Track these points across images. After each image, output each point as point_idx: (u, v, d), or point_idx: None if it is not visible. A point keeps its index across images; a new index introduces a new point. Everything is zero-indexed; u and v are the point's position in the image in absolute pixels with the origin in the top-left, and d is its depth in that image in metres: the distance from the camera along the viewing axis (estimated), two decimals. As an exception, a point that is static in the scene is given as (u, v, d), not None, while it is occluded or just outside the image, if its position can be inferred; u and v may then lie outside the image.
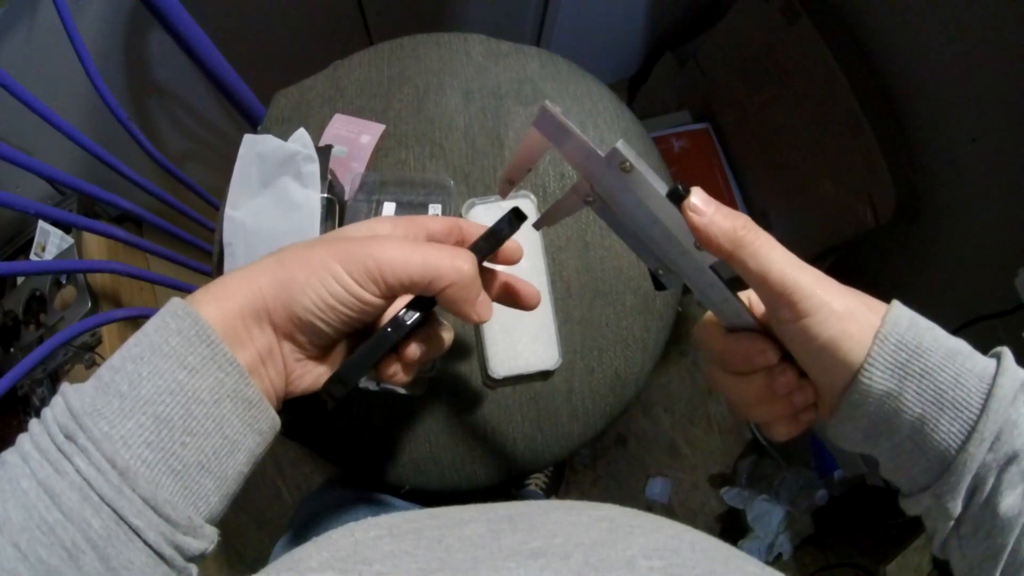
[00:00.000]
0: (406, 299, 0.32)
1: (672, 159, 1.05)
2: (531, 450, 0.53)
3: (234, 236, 0.55)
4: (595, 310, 0.54)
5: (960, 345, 0.27)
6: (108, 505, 0.23)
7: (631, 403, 0.55)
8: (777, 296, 0.27)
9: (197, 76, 0.85)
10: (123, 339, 1.01)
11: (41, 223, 0.96)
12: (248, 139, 0.56)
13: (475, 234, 0.33)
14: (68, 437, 0.23)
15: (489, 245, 0.33)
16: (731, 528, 1.15)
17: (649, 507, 1.18)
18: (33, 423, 0.24)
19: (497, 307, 0.52)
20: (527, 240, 0.54)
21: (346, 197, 0.56)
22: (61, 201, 1.02)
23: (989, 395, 0.26)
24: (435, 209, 0.54)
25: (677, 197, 0.28)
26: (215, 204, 0.82)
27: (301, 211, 0.53)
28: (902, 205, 0.86)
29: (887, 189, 0.87)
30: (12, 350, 0.98)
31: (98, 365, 0.94)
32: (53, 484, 0.22)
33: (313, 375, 0.30)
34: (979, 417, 0.26)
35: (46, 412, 0.24)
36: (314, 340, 0.29)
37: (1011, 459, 0.25)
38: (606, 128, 0.58)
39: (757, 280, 0.28)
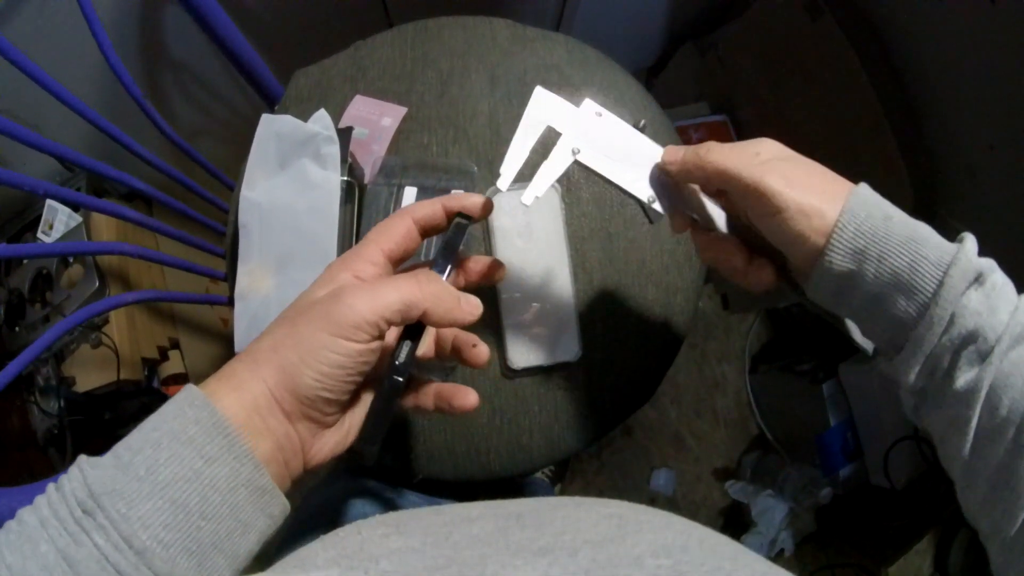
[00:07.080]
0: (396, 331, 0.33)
1: (688, 151, 1.04)
2: (547, 442, 0.53)
3: (250, 217, 0.54)
4: (617, 302, 0.53)
5: (918, 232, 0.29)
6: None
7: (648, 398, 0.55)
8: (750, 196, 0.32)
9: (212, 53, 0.84)
10: (130, 320, 0.99)
11: (49, 200, 0.95)
12: (266, 119, 0.55)
13: (463, 203, 0.36)
14: (86, 512, 0.24)
15: (448, 258, 0.35)
16: (734, 522, 1.16)
17: (653, 498, 1.19)
18: (51, 488, 0.25)
19: (519, 299, 0.52)
20: (551, 229, 0.53)
21: (366, 180, 0.55)
22: (70, 178, 1.00)
23: (941, 284, 0.28)
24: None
25: (642, 128, 0.38)
26: (229, 184, 0.81)
27: (319, 193, 0.52)
28: (919, 208, 0.85)
29: (904, 191, 0.86)
30: (17, 329, 0.97)
31: (104, 345, 0.94)
32: (72, 553, 0.23)
33: (331, 444, 0.32)
34: (930, 302, 0.28)
35: (63, 482, 0.25)
36: (326, 411, 0.30)
37: (967, 340, 0.28)
38: (631, 119, 0.57)
39: (730, 185, 0.33)
